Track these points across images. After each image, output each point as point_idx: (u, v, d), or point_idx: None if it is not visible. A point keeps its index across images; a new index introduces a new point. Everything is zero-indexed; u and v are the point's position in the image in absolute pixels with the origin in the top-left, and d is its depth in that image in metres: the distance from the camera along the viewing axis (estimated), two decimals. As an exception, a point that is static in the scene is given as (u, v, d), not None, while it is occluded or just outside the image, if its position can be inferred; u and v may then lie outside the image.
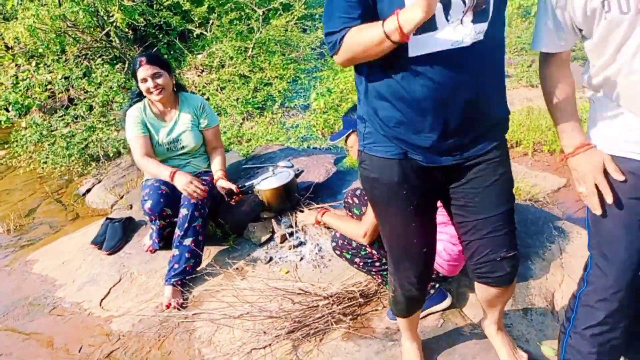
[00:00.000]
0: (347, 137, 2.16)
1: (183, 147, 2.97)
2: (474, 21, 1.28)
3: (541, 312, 2.18)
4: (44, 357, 2.42)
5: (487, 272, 1.57)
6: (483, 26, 1.30)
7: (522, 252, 2.44)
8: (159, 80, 2.81)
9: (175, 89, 2.98)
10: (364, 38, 1.27)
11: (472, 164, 1.46)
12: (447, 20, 1.26)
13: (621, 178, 1.35)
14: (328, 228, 2.41)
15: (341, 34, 1.31)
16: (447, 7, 1.25)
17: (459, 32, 1.28)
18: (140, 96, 2.95)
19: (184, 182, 2.71)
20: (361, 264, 2.19)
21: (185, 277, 2.66)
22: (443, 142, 1.40)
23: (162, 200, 2.74)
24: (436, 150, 1.42)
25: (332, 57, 1.40)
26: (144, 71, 2.78)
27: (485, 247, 1.53)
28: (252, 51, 5.26)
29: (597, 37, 1.31)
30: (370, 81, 1.42)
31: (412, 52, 1.29)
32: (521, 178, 3.40)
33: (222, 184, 2.88)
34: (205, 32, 5.66)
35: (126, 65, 5.45)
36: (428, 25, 1.24)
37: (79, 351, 2.42)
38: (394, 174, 1.47)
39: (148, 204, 2.72)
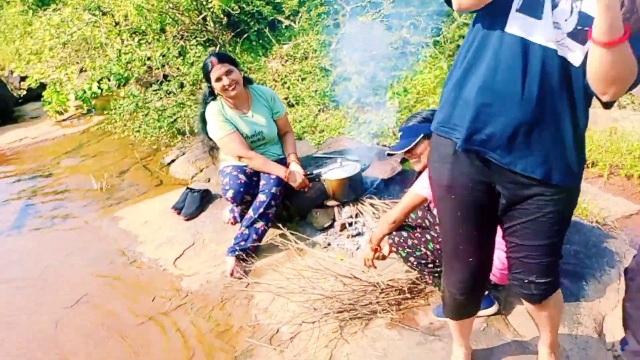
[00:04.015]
0: (416, 145, 2.26)
1: (264, 138, 3.15)
2: (571, 35, 1.27)
3: (588, 332, 2.20)
4: (122, 302, 2.76)
5: (518, 287, 1.68)
6: (577, 47, 1.28)
7: (578, 271, 2.45)
8: (232, 76, 2.92)
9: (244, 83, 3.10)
10: None
11: (521, 197, 1.49)
12: (552, 14, 1.26)
13: None
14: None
15: None
16: (555, 5, 1.26)
17: (553, 33, 1.27)
18: (212, 95, 3.05)
19: (299, 182, 3.01)
20: (415, 263, 2.27)
21: (247, 252, 2.90)
22: (496, 135, 1.42)
23: (242, 189, 2.96)
24: (488, 142, 1.44)
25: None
26: (217, 70, 2.89)
27: (517, 267, 1.63)
28: (335, 45, 5.43)
29: None
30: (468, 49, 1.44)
31: (509, 28, 1.32)
32: (590, 199, 3.34)
33: (294, 167, 3.09)
34: (293, 24, 5.90)
35: (217, 48, 5.82)
36: (535, 8, 1.27)
37: (152, 300, 2.74)
38: (444, 177, 1.56)
39: (230, 193, 2.95)
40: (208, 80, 2.98)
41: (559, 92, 1.34)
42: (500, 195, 1.54)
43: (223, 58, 2.96)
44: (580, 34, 1.27)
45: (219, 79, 2.92)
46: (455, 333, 1.97)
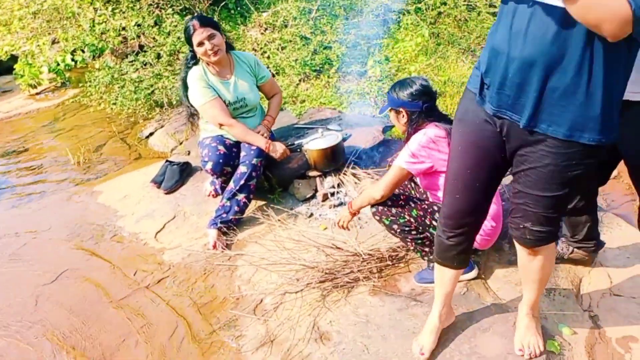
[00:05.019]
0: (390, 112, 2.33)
1: (247, 105, 3.09)
2: None
3: (565, 293, 2.25)
4: (103, 277, 2.73)
5: (513, 229, 1.75)
6: None
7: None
8: (215, 41, 2.84)
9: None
10: None
11: (521, 143, 1.52)
12: None
13: None
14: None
15: None
16: None
17: None
18: (194, 59, 2.98)
19: (280, 153, 2.98)
20: (398, 230, 2.29)
21: (229, 224, 2.88)
22: (496, 89, 1.49)
23: (221, 161, 2.92)
24: (489, 94, 1.52)
25: None
26: (199, 35, 2.81)
27: (516, 212, 1.69)
28: (315, 13, 5.32)
29: None
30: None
31: None
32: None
33: (260, 129, 3.08)
34: (272, -10, 5.75)
35: (194, 18, 5.65)
36: None
37: (134, 275, 2.72)
38: (459, 111, 1.68)
39: (209, 165, 2.91)
40: (190, 44, 2.90)
41: (552, 41, 1.32)
42: (508, 138, 1.57)
43: (205, 22, 2.86)
44: None
45: (200, 44, 2.84)
46: (437, 293, 1.99)
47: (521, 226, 1.68)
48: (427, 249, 2.32)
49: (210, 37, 2.84)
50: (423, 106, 2.23)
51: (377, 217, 2.33)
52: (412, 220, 2.25)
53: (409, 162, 2.17)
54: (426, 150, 2.15)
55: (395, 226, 2.28)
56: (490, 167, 1.67)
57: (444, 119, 2.28)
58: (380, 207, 2.29)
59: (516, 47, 1.39)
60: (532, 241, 1.70)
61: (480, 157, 1.66)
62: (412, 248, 2.39)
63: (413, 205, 2.27)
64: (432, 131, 2.17)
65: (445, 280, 1.96)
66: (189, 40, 2.88)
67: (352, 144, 3.33)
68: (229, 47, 3.08)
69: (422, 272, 2.38)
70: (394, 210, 2.27)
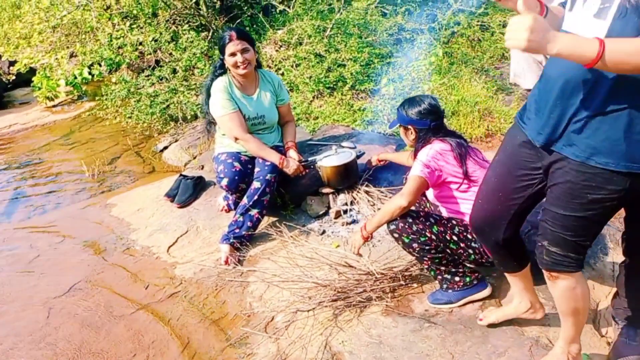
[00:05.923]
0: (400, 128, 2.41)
1: (264, 122, 3.13)
2: (596, 15, 1.31)
3: (581, 319, 2.20)
4: (115, 290, 2.74)
5: (536, 249, 1.73)
6: (601, 25, 1.29)
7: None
8: (247, 55, 2.92)
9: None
10: None
11: (551, 161, 1.58)
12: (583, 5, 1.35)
13: None
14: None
15: None
16: None
17: (578, 19, 1.35)
18: (222, 68, 3.05)
19: (294, 169, 3.00)
20: (417, 249, 2.22)
21: (242, 240, 2.88)
22: (536, 117, 1.57)
23: (236, 177, 2.94)
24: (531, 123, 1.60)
25: None
26: (234, 46, 2.89)
27: (540, 230, 1.70)
28: (330, 31, 5.36)
29: None
30: None
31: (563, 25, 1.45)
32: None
33: (292, 154, 3.10)
34: (287, 9, 5.82)
35: (210, 34, 5.73)
36: (571, 3, 1.40)
37: (146, 289, 2.72)
38: (508, 135, 1.76)
39: (225, 182, 2.93)
40: (222, 52, 2.96)
41: (576, 70, 1.39)
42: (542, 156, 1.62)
43: (242, 35, 2.94)
44: (602, 12, 1.30)
45: (233, 54, 2.91)
46: (512, 284, 2.08)
47: (539, 244, 1.69)
48: (442, 268, 2.28)
49: (243, 51, 2.91)
50: (431, 124, 2.32)
51: (396, 235, 2.25)
52: (433, 237, 2.21)
53: (424, 172, 2.22)
54: (435, 161, 2.24)
55: (415, 245, 2.22)
56: (516, 182, 1.71)
57: (451, 135, 2.36)
58: (401, 225, 2.21)
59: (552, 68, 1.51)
60: (547, 263, 1.69)
61: (509, 169, 1.72)
62: (426, 267, 2.34)
63: (433, 221, 2.25)
64: (437, 145, 2.29)
65: (511, 280, 2.04)
66: (222, 49, 2.95)
67: (366, 162, 3.32)
68: (258, 65, 3.16)
69: (436, 292, 2.35)
70: (414, 228, 2.20)
